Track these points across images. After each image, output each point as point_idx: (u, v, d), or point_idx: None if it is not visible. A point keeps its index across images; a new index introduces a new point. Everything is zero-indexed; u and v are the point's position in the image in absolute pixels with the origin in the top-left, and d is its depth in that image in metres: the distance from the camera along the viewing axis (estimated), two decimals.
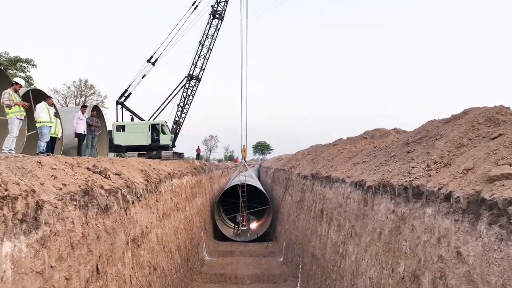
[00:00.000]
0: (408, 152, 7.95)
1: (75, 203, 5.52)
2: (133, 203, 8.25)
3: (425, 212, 5.33)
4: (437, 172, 5.73)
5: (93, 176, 7.02)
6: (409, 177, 6.36)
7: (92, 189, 6.34)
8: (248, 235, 25.76)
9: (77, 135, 13.38)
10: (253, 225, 29.11)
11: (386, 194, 6.92)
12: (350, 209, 9.03)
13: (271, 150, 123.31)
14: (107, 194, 6.93)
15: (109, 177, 7.61)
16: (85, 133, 13.29)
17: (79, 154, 13.00)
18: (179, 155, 26.80)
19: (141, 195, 9.08)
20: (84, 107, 14.08)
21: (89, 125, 13.48)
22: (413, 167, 6.68)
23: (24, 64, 31.14)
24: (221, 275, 16.45)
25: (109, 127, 24.63)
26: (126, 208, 7.76)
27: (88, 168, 7.34)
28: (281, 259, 19.14)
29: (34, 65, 31.43)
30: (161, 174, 12.56)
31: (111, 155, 24.81)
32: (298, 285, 14.19)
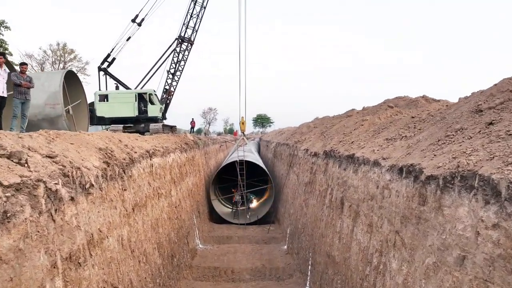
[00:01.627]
0: (490, 124, 5.16)
1: None
2: (72, 199, 5.54)
3: None
4: None
5: None
6: None
7: None
8: (248, 217, 23.40)
9: None
10: (253, 204, 26.75)
11: (471, 192, 4.19)
12: (390, 205, 6.34)
13: (271, 123, 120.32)
14: (11, 193, 4.21)
15: (27, 163, 4.86)
16: (5, 95, 9.23)
17: None
18: (171, 128, 24.18)
19: (92, 185, 6.37)
20: (1, 54, 9.48)
21: (16, 86, 9.60)
22: None
23: None
24: (215, 269, 14.07)
25: (91, 98, 21.90)
26: (57, 209, 5.05)
27: None
28: (285, 247, 16.77)
29: (7, 27, 27.95)
30: (135, 152, 9.82)
31: (95, 129, 22.18)
32: (307, 284, 11.78)
